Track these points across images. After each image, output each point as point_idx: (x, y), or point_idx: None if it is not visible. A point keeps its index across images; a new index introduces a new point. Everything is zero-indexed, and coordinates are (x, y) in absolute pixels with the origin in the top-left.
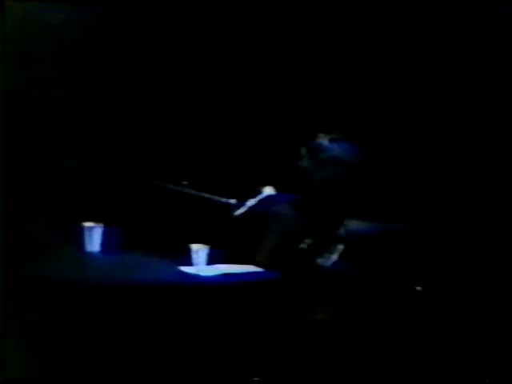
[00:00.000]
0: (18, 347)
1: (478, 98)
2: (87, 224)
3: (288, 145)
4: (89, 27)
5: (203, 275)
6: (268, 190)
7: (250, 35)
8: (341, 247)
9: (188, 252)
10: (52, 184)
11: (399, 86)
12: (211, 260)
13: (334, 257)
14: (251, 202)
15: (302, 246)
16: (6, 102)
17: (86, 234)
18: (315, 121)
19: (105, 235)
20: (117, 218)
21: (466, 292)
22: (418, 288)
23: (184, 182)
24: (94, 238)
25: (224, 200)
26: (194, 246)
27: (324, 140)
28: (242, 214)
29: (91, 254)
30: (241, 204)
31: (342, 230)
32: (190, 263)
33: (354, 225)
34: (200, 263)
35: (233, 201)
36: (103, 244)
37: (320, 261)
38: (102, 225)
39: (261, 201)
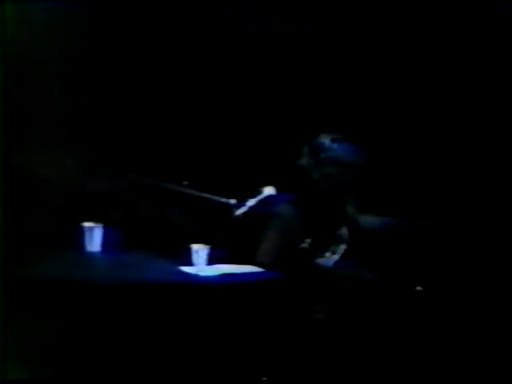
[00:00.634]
0: (18, 347)
1: (479, 97)
2: (87, 224)
3: (288, 145)
4: (89, 27)
5: (203, 275)
6: (268, 190)
7: (250, 35)
8: (342, 247)
9: (188, 252)
10: (52, 184)
11: (400, 87)
12: (211, 260)
13: (335, 257)
14: (251, 202)
15: (303, 245)
16: (6, 102)
17: (86, 233)
18: (316, 121)
19: (105, 235)
20: (117, 217)
21: (466, 292)
22: (419, 288)
23: (184, 182)
24: (94, 237)
25: (224, 200)
26: (194, 246)
27: (325, 140)
28: (242, 214)
29: (91, 253)
30: (241, 204)
31: (346, 228)
32: (190, 263)
33: (366, 220)
34: (200, 263)
35: (233, 201)
36: (103, 244)
37: (321, 261)
38: (101, 225)
39: (261, 201)
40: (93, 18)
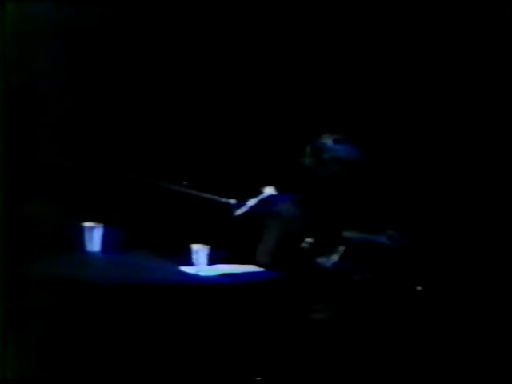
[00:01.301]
0: (18, 347)
1: (479, 97)
2: (87, 224)
3: (289, 145)
4: (88, 27)
5: (203, 275)
6: (268, 190)
7: (251, 35)
8: (342, 248)
9: (188, 252)
10: (52, 184)
11: (402, 88)
12: (211, 260)
13: (335, 257)
14: (251, 202)
15: (303, 245)
16: (6, 102)
17: (86, 233)
18: (318, 121)
19: (105, 235)
20: (117, 217)
21: (467, 292)
22: (419, 288)
23: (184, 182)
24: (94, 237)
25: (224, 200)
26: (195, 246)
27: (327, 140)
28: (242, 214)
29: (91, 253)
30: (241, 204)
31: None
32: (190, 263)
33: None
34: (200, 263)
35: (233, 201)
36: (103, 244)
37: (321, 261)
38: (101, 225)
39: (261, 201)
40: (93, 17)
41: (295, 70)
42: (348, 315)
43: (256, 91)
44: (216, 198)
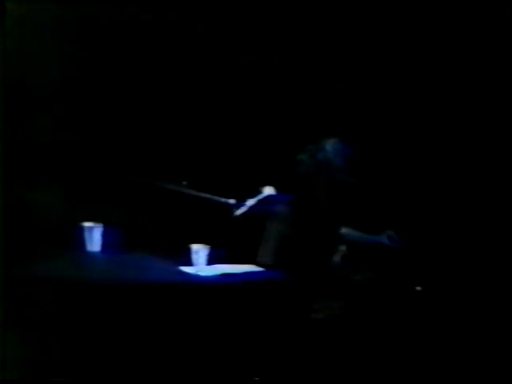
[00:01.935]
0: (18, 347)
1: (479, 97)
2: (87, 224)
3: (288, 145)
4: (88, 27)
5: (203, 275)
6: (268, 190)
7: (251, 37)
8: (342, 248)
9: (188, 252)
10: (52, 184)
11: (399, 89)
12: (211, 260)
13: (335, 257)
14: (251, 202)
15: (303, 246)
16: (6, 101)
17: (86, 233)
18: (316, 123)
19: (105, 235)
20: (117, 217)
21: (466, 292)
22: (418, 288)
23: (184, 182)
24: (94, 237)
25: (224, 200)
26: (194, 246)
27: (325, 142)
28: (242, 214)
29: (91, 253)
30: (241, 204)
31: (339, 232)
32: (190, 263)
33: (346, 231)
34: (200, 263)
35: (233, 201)
36: (103, 244)
37: (320, 261)
38: (101, 225)
39: (261, 201)
40: (93, 17)
41: (294, 71)
42: (347, 315)
43: (256, 92)
44: (216, 198)
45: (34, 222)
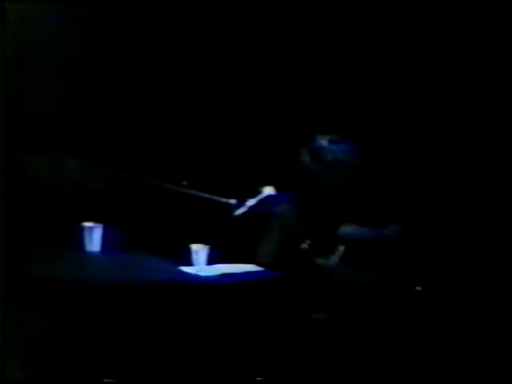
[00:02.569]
0: (18, 347)
1: (479, 98)
2: (87, 224)
3: (288, 145)
4: (88, 27)
5: (203, 275)
6: (268, 190)
7: (249, 35)
8: (342, 248)
9: (188, 252)
10: (52, 184)
11: (399, 87)
12: (211, 260)
13: (335, 257)
14: (251, 202)
15: (302, 246)
16: (6, 103)
17: (86, 234)
18: (315, 122)
19: (105, 235)
20: (117, 217)
21: (467, 292)
22: (418, 288)
23: (184, 182)
24: (94, 237)
25: (224, 200)
26: (194, 246)
27: (323, 141)
28: (242, 214)
29: (91, 253)
30: (241, 204)
31: (339, 232)
32: (190, 263)
33: (347, 229)
34: (200, 263)
35: (233, 201)
36: (103, 244)
37: (320, 261)
38: (101, 225)
39: (261, 201)
40: (93, 17)
41: (293, 70)
42: (347, 315)
43: (255, 92)
44: (216, 198)
45: (34, 221)
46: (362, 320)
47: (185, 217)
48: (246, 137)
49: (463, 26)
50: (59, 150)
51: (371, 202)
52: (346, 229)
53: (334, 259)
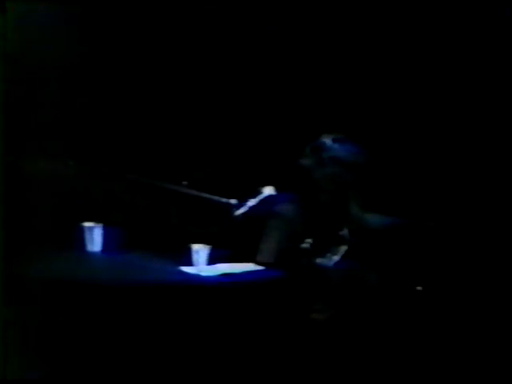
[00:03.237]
0: (18, 347)
1: (479, 98)
2: (87, 224)
3: (288, 145)
4: (88, 27)
5: (204, 275)
6: (268, 190)
7: (251, 35)
8: (343, 248)
9: (188, 252)
10: (52, 184)
11: (401, 87)
12: (211, 260)
13: (336, 257)
14: (251, 202)
15: (303, 245)
16: (6, 102)
17: (86, 233)
18: (317, 121)
19: (105, 235)
20: (117, 217)
21: (466, 292)
22: (418, 288)
23: (184, 182)
24: (94, 237)
25: (224, 200)
26: (195, 246)
27: (327, 140)
28: (242, 214)
29: (91, 253)
30: (241, 204)
31: (347, 229)
32: (190, 263)
33: (369, 219)
34: (200, 263)
35: (233, 201)
36: (103, 244)
37: (321, 261)
38: (101, 225)
39: (261, 201)
40: (93, 17)
41: (294, 70)
42: (347, 315)
43: (256, 92)
44: (216, 198)
45: (34, 221)
46: (363, 320)
47: (185, 217)
48: (246, 137)
49: (463, 26)
50: (59, 150)
51: (374, 201)
52: (369, 218)
53: (335, 259)
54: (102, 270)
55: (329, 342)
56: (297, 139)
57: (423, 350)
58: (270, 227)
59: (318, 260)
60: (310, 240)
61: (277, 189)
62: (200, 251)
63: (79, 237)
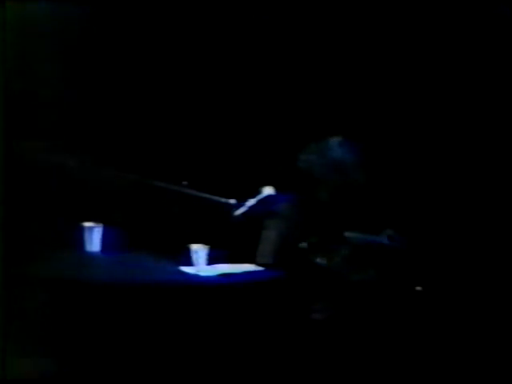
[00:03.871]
0: (18, 347)
1: (479, 98)
2: (87, 224)
3: (288, 145)
4: (88, 26)
5: (203, 275)
6: (268, 190)
7: (251, 35)
8: (343, 248)
9: (188, 252)
10: (52, 184)
11: (401, 89)
12: (211, 260)
13: (336, 257)
14: (251, 202)
15: (302, 245)
16: (6, 101)
17: (86, 233)
18: (318, 122)
19: (105, 235)
20: (117, 217)
21: (466, 293)
22: (418, 288)
23: (184, 182)
24: (94, 237)
25: (224, 200)
26: (194, 246)
27: (327, 141)
28: (242, 214)
29: (91, 253)
30: (241, 204)
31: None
32: (189, 263)
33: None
34: (200, 263)
35: (233, 201)
36: (103, 244)
37: (320, 261)
38: (101, 225)
39: (261, 201)
40: (93, 17)
41: (295, 70)
42: (347, 315)
43: (256, 92)
44: (216, 198)
45: (35, 221)
46: (363, 320)
47: (184, 217)
48: (246, 137)
49: (464, 26)
50: (60, 150)
51: (374, 202)
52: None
53: (335, 259)
54: (102, 270)
55: (329, 342)
56: (297, 139)
57: (423, 349)
58: (269, 227)
59: (318, 260)
60: (309, 240)
61: (276, 189)
62: (199, 251)
63: (79, 237)
